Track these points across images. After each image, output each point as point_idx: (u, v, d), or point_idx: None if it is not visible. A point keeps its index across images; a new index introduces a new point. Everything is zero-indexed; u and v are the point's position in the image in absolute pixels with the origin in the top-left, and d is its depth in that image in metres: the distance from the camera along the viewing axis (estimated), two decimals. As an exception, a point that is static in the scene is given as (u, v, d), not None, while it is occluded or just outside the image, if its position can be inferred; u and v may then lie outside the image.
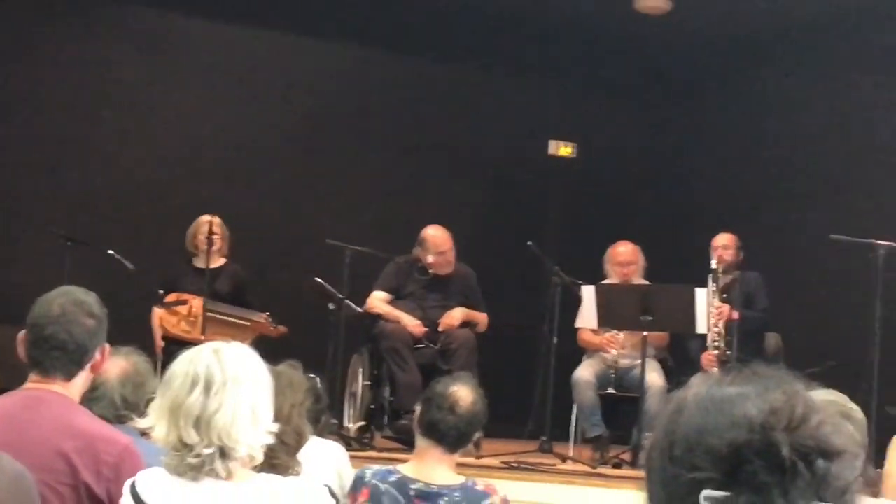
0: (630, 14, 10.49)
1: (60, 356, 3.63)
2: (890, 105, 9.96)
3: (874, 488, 4.43)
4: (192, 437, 3.18)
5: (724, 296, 8.51)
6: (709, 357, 8.30)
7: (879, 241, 7.83)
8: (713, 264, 8.55)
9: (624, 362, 8.58)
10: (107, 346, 3.76)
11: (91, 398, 4.00)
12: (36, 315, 3.66)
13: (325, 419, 5.62)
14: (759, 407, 1.50)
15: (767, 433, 1.47)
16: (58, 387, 3.64)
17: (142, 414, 3.91)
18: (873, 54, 10.00)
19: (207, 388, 3.19)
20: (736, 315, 8.46)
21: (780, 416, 1.49)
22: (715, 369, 7.81)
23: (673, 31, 10.86)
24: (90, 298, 3.74)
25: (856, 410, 3.85)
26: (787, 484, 1.45)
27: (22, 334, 3.67)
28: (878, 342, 7.59)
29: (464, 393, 4.66)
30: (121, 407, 4.21)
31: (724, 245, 8.74)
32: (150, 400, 3.62)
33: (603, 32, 11.07)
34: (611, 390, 8.49)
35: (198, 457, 3.18)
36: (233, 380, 3.21)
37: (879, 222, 8.64)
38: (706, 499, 1.46)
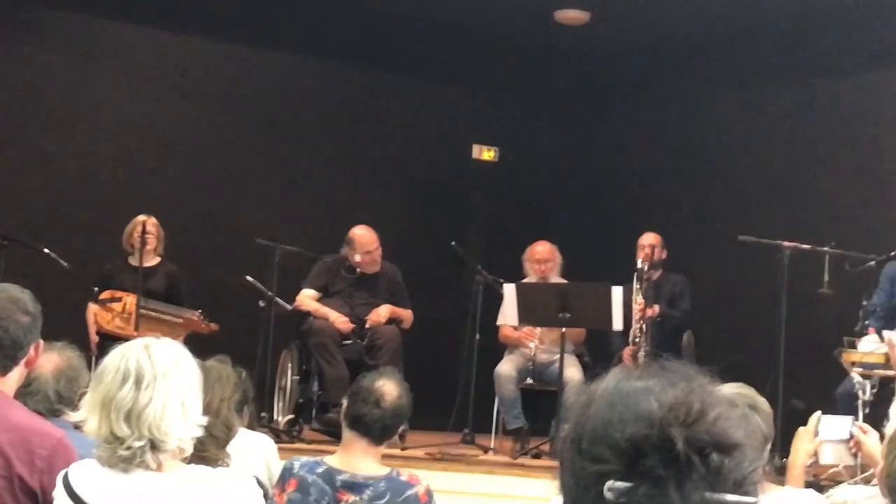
0: (551, 24, 10.56)
1: (-5, 352, 3.59)
2: (795, 114, 10.12)
3: (781, 477, 4.49)
4: (123, 430, 3.16)
5: (650, 293, 8.59)
6: (629, 352, 8.37)
7: (785, 243, 7.93)
8: (639, 263, 8.64)
9: (543, 357, 8.62)
10: (41, 342, 3.72)
11: (25, 393, 3.96)
12: (-31, 312, 3.62)
13: (248, 409, 5.60)
14: (659, 402, 1.50)
15: (664, 428, 1.47)
16: (-8, 381, 3.61)
17: (75, 408, 3.90)
18: (783, 66, 10.15)
19: (138, 382, 3.18)
20: (656, 310, 8.57)
21: (677, 411, 1.49)
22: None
23: (592, 40, 10.94)
24: (25, 296, 3.70)
25: (763, 403, 3.91)
26: (682, 477, 1.46)
27: (-43, 331, 3.63)
28: (784, 339, 7.69)
29: (389, 387, 4.66)
30: (55, 401, 4.18)
31: (649, 244, 8.88)
32: (83, 394, 3.60)
33: (526, 42, 11.13)
34: (529, 381, 8.53)
35: (129, 449, 3.17)
36: (163, 374, 3.20)
37: (786, 225, 8.77)
38: (609, 489, 1.47)
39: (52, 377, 4.19)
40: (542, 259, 8.90)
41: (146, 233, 8.58)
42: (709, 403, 1.51)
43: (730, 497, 1.47)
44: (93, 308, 8.59)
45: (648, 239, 8.93)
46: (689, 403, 1.50)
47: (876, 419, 5.99)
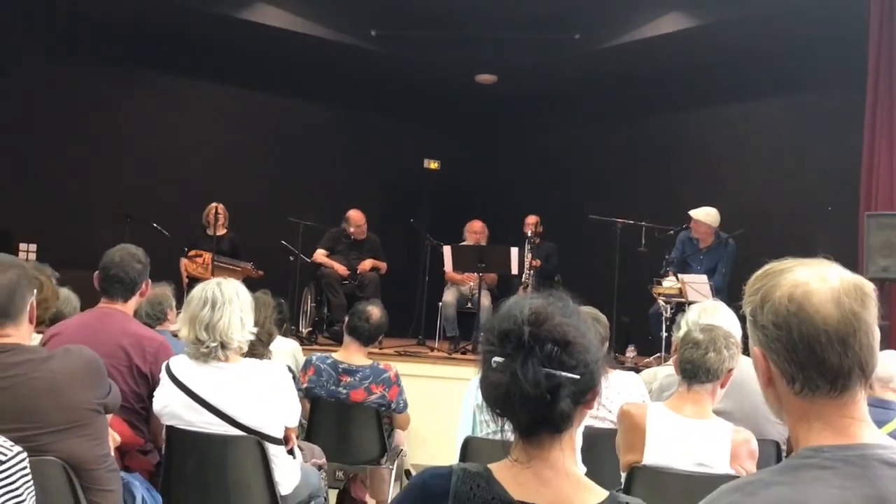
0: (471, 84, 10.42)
1: (120, 287, 3.55)
2: (633, 138, 10.12)
3: (613, 368, 4.51)
4: (203, 335, 3.18)
5: (534, 252, 8.58)
6: (522, 291, 8.37)
7: (618, 220, 7.95)
8: (528, 233, 8.66)
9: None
10: (149, 280, 3.69)
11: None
12: (104, 261, 3.60)
13: (286, 326, 5.57)
14: (524, 310, 1.52)
15: (521, 326, 1.50)
16: (119, 306, 3.56)
17: (160, 322, 3.93)
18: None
19: (213, 305, 3.20)
20: (538, 263, 8.60)
21: (532, 316, 1.50)
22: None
23: (502, 94, 10.81)
24: (139, 251, 3.68)
25: (602, 317, 3.94)
26: (525, 357, 1.48)
27: (96, 273, 3.60)
28: (617, 279, 7.73)
29: (375, 310, 4.73)
30: (144, 317, 4.20)
31: (533, 222, 8.86)
32: (164, 311, 3.89)
33: (451, 98, 10.99)
34: (469, 306, 8.48)
35: (207, 348, 3.19)
36: (229, 300, 3.21)
37: (619, 206, 8.77)
38: (494, 361, 1.50)
39: (146, 302, 4.19)
40: (478, 231, 8.89)
41: (217, 213, 8.53)
42: (557, 313, 1.51)
43: (562, 373, 1.47)
44: (184, 261, 8.50)
45: (531, 218, 8.92)
46: (541, 312, 1.51)
47: (671, 328, 6.05)
